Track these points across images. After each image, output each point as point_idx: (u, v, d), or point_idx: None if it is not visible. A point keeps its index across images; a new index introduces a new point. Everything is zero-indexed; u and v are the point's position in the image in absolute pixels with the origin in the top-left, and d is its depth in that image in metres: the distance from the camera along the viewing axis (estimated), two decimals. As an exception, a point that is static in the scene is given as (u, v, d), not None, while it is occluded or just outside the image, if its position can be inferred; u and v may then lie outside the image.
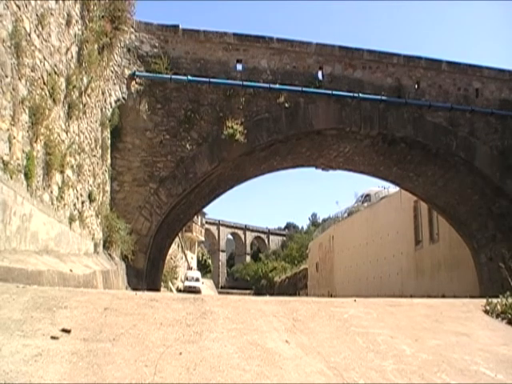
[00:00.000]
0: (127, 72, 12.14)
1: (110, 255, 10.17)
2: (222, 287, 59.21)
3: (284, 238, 75.22)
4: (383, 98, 13.84)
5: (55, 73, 6.68)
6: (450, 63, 14.83)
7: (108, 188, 10.94)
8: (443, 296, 16.54)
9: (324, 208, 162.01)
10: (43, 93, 6.21)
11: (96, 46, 8.74)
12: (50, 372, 2.48)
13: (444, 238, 20.03)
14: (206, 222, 63.73)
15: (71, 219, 7.57)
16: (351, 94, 13.60)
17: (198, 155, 12.61)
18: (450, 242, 19.40)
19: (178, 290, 31.66)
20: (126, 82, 12.05)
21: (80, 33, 7.94)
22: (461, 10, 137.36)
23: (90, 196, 8.81)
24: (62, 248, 7.06)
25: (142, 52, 12.61)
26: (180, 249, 39.66)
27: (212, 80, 12.85)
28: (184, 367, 2.76)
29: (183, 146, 12.56)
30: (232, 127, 12.49)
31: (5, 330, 2.96)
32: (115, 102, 11.36)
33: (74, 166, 7.72)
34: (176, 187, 12.40)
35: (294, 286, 41.79)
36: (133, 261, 11.37)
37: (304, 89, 13.24)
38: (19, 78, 5.48)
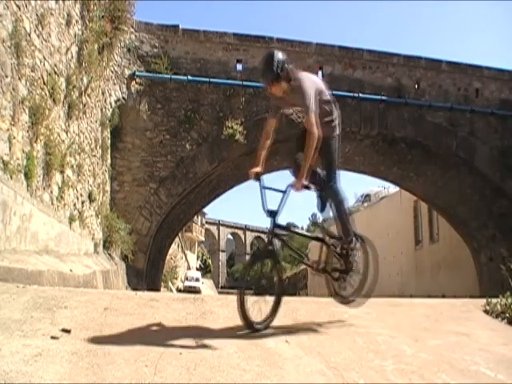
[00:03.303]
0: (127, 72, 12.14)
1: (110, 255, 10.17)
2: (222, 287, 59.16)
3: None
4: (383, 97, 13.84)
5: (55, 73, 6.68)
6: (450, 63, 14.83)
7: (108, 188, 10.94)
8: (443, 296, 16.53)
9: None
10: (43, 93, 6.21)
11: (96, 46, 8.74)
12: (50, 372, 2.48)
13: (444, 237, 20.02)
14: (206, 222, 63.69)
15: (71, 219, 7.57)
16: (351, 94, 13.60)
17: (198, 155, 12.61)
18: (450, 242, 19.39)
19: (178, 290, 31.66)
20: (126, 81, 12.05)
21: (80, 33, 7.94)
22: (461, 10, 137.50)
23: (90, 196, 8.81)
24: (62, 248, 7.06)
25: (142, 52, 12.60)
26: (180, 249, 39.67)
27: (212, 80, 12.85)
28: (184, 367, 2.75)
29: (183, 146, 12.56)
30: (232, 127, 12.49)
31: (5, 329, 2.96)
32: (115, 102, 11.36)
33: (74, 166, 7.72)
34: (176, 187, 12.40)
35: (294, 286, 41.75)
36: (133, 261, 11.37)
37: (304, 89, 13.22)
38: (19, 78, 5.47)
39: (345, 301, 4.11)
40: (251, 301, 3.50)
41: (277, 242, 3.68)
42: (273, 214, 3.61)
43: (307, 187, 3.54)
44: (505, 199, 14.88)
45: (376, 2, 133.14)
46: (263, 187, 3.66)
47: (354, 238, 4.00)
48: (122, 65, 11.93)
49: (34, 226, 5.81)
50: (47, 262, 5.72)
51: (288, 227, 4.11)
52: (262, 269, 3.67)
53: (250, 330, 3.42)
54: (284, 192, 3.60)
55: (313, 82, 3.73)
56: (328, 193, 3.92)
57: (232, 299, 3.94)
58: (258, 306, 3.51)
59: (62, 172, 7.02)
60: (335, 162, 3.92)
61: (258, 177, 3.66)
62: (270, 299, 3.67)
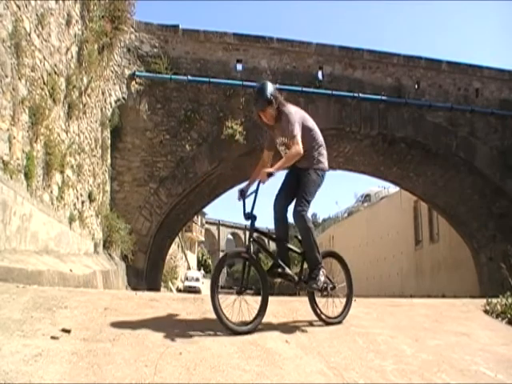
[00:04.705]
0: (127, 72, 12.14)
1: (110, 255, 10.17)
2: (222, 287, 58.95)
3: (284, 238, 74.88)
4: (383, 97, 13.84)
5: (55, 73, 6.68)
6: (450, 63, 14.83)
7: (108, 188, 10.94)
8: (443, 296, 16.53)
9: (324, 208, 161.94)
10: (43, 93, 6.21)
11: (96, 46, 8.74)
12: (50, 372, 2.48)
13: (444, 238, 20.03)
14: (206, 222, 63.65)
15: (71, 219, 7.57)
16: (351, 94, 13.60)
17: (198, 155, 12.61)
18: (449, 242, 19.40)
19: (178, 290, 31.65)
20: (125, 81, 12.04)
21: (80, 33, 7.94)
22: (460, 11, 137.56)
23: (90, 196, 8.80)
24: (62, 248, 7.05)
25: (142, 52, 12.60)
26: (180, 249, 39.66)
27: (212, 80, 12.84)
28: (184, 367, 2.76)
29: (183, 146, 12.56)
30: (232, 127, 12.48)
31: (5, 329, 2.96)
32: (115, 102, 11.36)
33: (74, 166, 7.72)
34: (176, 187, 12.40)
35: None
36: (133, 261, 11.37)
37: (304, 89, 13.23)
38: (19, 78, 5.47)
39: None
40: (231, 302, 3.51)
41: (253, 246, 3.72)
42: (250, 217, 3.75)
43: (271, 174, 3.59)
44: (505, 199, 14.88)
45: (376, 2, 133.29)
46: (248, 194, 3.83)
47: (321, 267, 3.86)
48: (122, 65, 11.93)
49: (34, 226, 5.81)
50: (47, 262, 5.72)
51: (266, 233, 4.10)
52: (244, 271, 3.79)
53: (231, 331, 3.39)
54: (255, 191, 3.77)
55: (298, 113, 3.93)
56: (295, 219, 3.82)
57: (232, 299, 3.93)
58: (241, 307, 3.52)
59: (61, 172, 7.01)
60: (310, 193, 3.86)
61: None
62: (254, 299, 3.68)
